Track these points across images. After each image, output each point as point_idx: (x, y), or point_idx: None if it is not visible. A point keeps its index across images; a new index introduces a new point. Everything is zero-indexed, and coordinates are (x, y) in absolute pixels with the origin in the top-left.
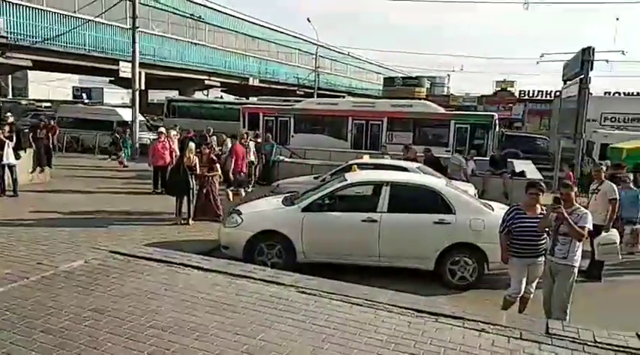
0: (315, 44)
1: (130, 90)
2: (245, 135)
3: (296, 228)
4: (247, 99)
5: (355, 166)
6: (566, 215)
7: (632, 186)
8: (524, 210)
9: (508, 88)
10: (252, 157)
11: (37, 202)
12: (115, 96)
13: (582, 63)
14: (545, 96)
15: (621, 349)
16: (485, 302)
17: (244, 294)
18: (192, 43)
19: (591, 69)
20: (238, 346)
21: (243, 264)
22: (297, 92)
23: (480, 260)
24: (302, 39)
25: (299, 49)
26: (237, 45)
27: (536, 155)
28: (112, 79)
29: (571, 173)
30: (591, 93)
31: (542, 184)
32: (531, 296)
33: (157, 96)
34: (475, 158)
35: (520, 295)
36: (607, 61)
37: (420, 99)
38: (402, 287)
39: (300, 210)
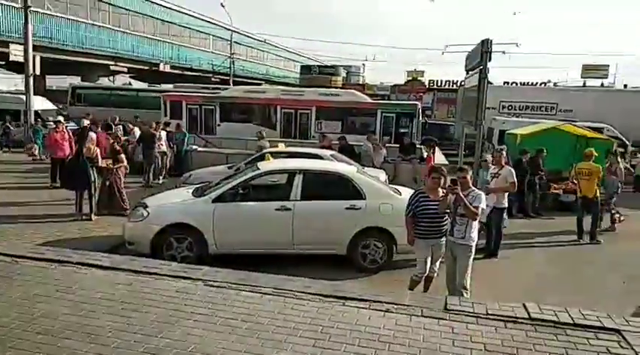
0: (230, 30)
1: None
2: (154, 124)
3: (207, 220)
4: (160, 86)
5: (269, 155)
6: (462, 196)
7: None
8: (428, 194)
9: (418, 78)
10: (163, 147)
11: None
12: (7, 82)
13: (482, 54)
14: (452, 86)
15: (510, 319)
16: (395, 282)
17: (148, 292)
18: (94, 25)
19: (489, 60)
20: (137, 347)
21: (148, 259)
22: (213, 79)
23: (389, 243)
24: (216, 24)
25: (213, 35)
26: (146, 29)
27: (449, 142)
28: (2, 63)
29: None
30: (491, 83)
31: (444, 169)
32: (435, 275)
33: (57, 82)
34: (387, 145)
35: (425, 274)
36: (504, 52)
37: (337, 87)
38: (318, 273)
39: (211, 201)
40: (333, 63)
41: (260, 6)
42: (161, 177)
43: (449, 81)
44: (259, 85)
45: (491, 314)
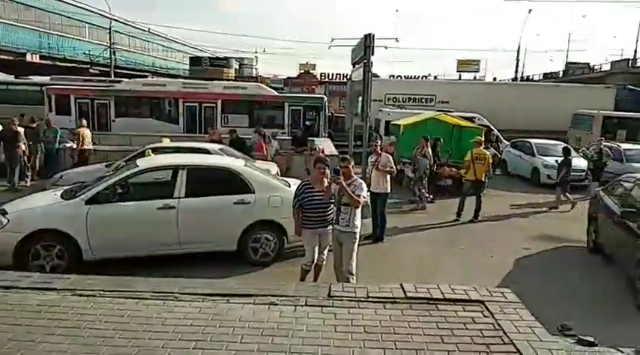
0: (109, 18)
1: None
2: (12, 120)
3: (79, 224)
4: (27, 77)
5: (150, 151)
6: (344, 185)
7: None
8: (313, 185)
9: (310, 71)
10: (22, 146)
11: None
12: None
13: (365, 48)
14: (343, 79)
15: (389, 300)
16: (286, 273)
17: (3, 308)
18: None
19: (372, 54)
20: None
21: (5, 272)
22: (90, 70)
23: (279, 235)
24: (91, 11)
25: (89, 23)
26: (8, 14)
27: (342, 133)
28: None
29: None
30: (378, 76)
31: (328, 159)
32: (323, 263)
33: None
34: (278, 137)
35: (314, 263)
36: (386, 47)
37: (228, 80)
38: (208, 273)
39: (84, 203)
40: (225, 55)
41: None
42: (28, 180)
43: (339, 74)
44: (145, 77)
45: (372, 297)
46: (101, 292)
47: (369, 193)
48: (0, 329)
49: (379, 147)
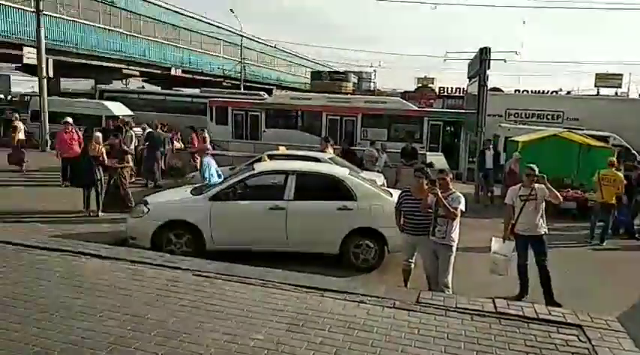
0: (240, 35)
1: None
2: (160, 125)
3: (204, 217)
4: (171, 89)
5: (265, 156)
6: (440, 196)
7: None
8: (412, 193)
9: (429, 85)
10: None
11: None
12: (24, 84)
13: (480, 62)
14: (462, 93)
15: (478, 312)
16: (386, 280)
17: (140, 279)
18: (106, 29)
19: (489, 67)
20: (124, 324)
21: (144, 251)
22: (223, 84)
23: (380, 243)
24: (226, 29)
25: (224, 40)
26: (158, 33)
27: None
28: (19, 65)
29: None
30: (501, 91)
31: (427, 170)
32: (411, 267)
33: (72, 85)
34: (387, 150)
35: (413, 262)
36: (504, 60)
37: (347, 93)
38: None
39: (208, 199)
40: (344, 69)
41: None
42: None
43: (459, 88)
44: (270, 90)
45: (460, 308)
46: (217, 275)
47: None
48: (137, 294)
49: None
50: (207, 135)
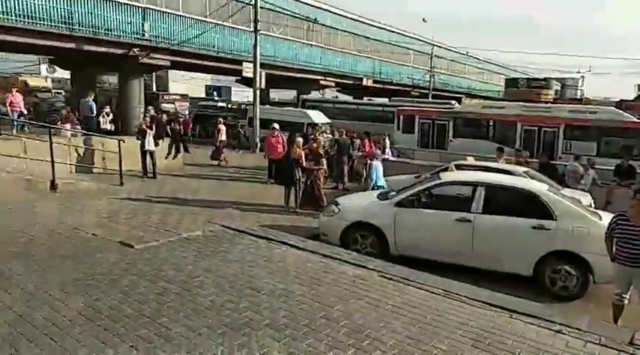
0: (431, 44)
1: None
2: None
3: (388, 222)
4: (362, 98)
5: (453, 166)
6: None
7: None
8: (629, 218)
9: None
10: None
11: (172, 184)
12: (241, 94)
13: None
14: None
15: None
16: (585, 309)
17: (331, 272)
18: (308, 44)
19: None
20: (317, 312)
21: (334, 247)
22: (412, 93)
23: (584, 270)
24: (417, 39)
25: (414, 50)
26: (352, 46)
27: None
28: (238, 78)
29: None
30: None
31: None
32: (625, 302)
33: (277, 95)
34: (597, 167)
35: (627, 298)
36: None
37: (547, 102)
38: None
39: (393, 205)
40: (545, 75)
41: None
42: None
43: None
44: (459, 98)
45: None
46: (400, 278)
47: None
48: (327, 286)
49: None
50: (387, 141)
